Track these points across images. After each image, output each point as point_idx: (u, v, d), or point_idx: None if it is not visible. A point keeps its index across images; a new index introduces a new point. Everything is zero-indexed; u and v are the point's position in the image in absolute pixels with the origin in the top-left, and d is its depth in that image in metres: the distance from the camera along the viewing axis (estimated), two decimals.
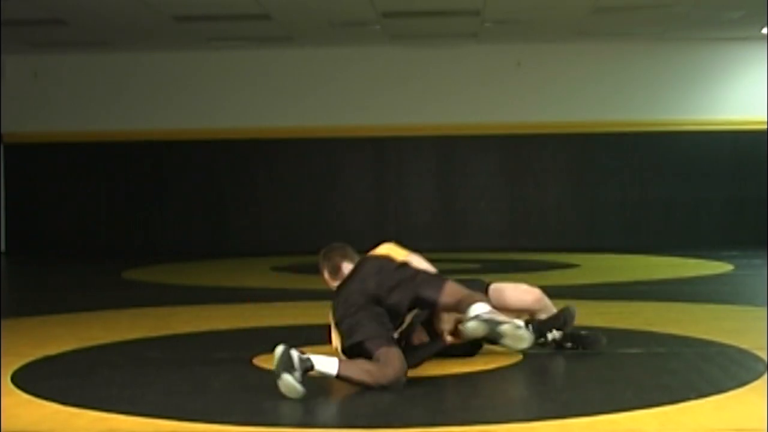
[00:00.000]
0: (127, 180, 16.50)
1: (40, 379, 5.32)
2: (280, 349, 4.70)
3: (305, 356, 4.73)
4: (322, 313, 8.08)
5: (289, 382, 4.63)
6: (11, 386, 5.10)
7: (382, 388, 4.82)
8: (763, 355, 5.64)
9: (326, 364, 4.80)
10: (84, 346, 6.43)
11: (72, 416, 4.47)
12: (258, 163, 16.38)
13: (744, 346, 5.95)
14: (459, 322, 5.28)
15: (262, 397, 4.81)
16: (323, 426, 4.26)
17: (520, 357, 5.63)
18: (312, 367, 4.73)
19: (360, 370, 4.86)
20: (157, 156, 16.43)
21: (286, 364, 4.65)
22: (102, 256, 15.45)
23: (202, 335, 6.92)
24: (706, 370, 5.33)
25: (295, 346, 4.73)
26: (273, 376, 4.67)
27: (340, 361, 4.89)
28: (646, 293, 9.30)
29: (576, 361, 5.55)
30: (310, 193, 16.36)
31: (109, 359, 6.00)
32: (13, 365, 5.63)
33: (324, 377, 4.81)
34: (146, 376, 5.43)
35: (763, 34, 15.14)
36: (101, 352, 6.26)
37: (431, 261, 5.74)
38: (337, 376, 4.81)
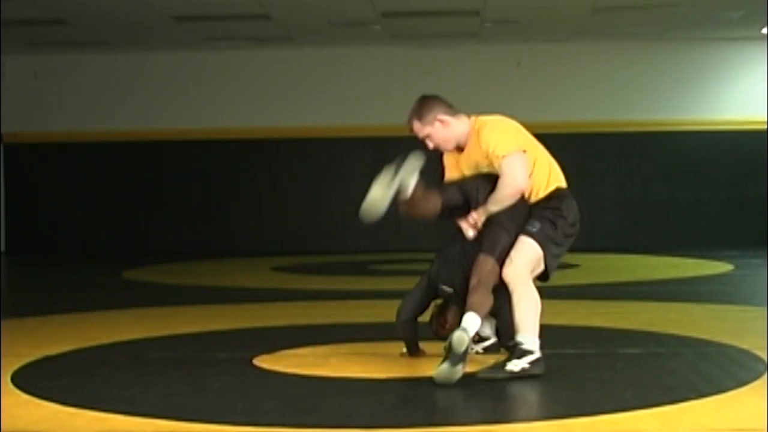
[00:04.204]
0: (127, 180, 16.49)
1: (40, 379, 5.32)
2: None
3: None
4: (322, 313, 8.12)
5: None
6: (11, 386, 5.10)
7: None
8: (763, 355, 5.64)
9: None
10: (84, 346, 6.42)
11: (71, 416, 4.47)
12: (258, 163, 16.37)
13: (744, 346, 5.95)
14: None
15: (262, 397, 4.81)
16: (323, 426, 4.25)
17: None
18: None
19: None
20: (157, 156, 16.42)
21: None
22: (102, 256, 15.44)
23: (202, 335, 6.91)
24: (706, 370, 5.33)
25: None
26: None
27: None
28: (646, 293, 9.30)
29: (576, 361, 5.55)
30: (310, 193, 16.34)
31: (109, 359, 5.99)
32: (13, 365, 5.63)
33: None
34: (146, 376, 5.42)
35: (763, 34, 15.14)
36: (101, 352, 6.26)
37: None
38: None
